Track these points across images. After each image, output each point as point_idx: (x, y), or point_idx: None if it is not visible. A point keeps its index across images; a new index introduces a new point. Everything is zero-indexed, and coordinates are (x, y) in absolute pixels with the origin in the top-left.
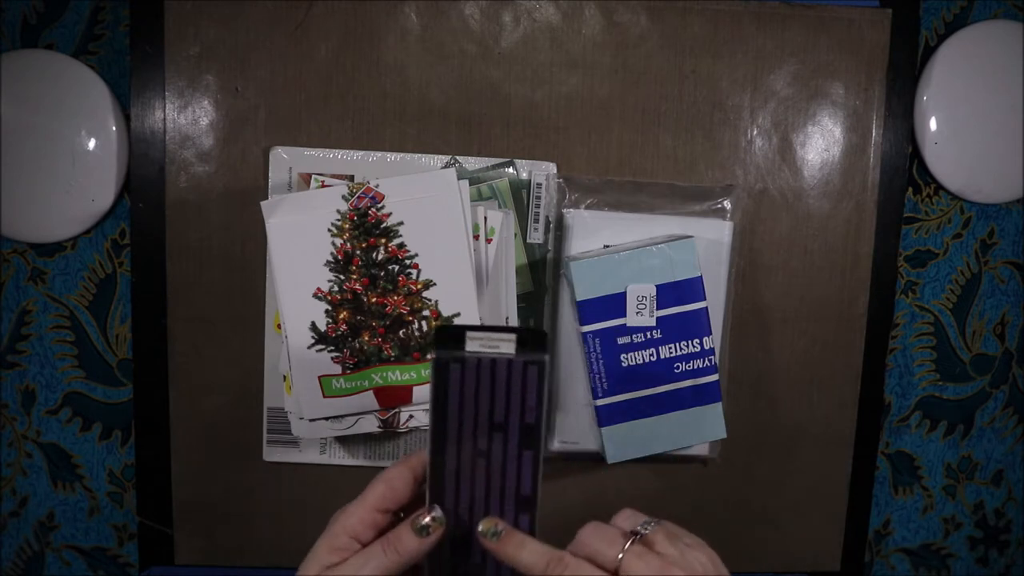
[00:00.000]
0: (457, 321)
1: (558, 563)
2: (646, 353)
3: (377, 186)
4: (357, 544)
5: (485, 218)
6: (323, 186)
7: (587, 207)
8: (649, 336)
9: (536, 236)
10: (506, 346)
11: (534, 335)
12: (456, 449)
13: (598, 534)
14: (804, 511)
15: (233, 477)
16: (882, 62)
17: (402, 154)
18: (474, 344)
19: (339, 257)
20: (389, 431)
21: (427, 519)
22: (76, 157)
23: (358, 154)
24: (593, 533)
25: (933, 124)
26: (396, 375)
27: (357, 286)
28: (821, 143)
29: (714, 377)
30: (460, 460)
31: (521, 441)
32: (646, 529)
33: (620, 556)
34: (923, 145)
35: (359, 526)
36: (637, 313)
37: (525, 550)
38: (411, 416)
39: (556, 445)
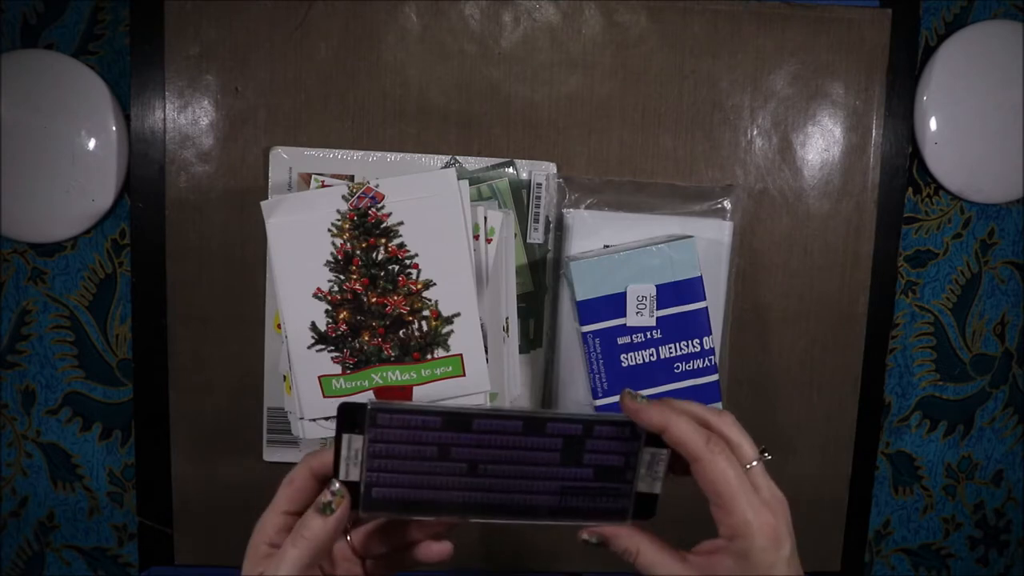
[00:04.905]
0: (457, 320)
1: (717, 443)
2: (646, 353)
3: (377, 186)
4: (275, 551)
5: (485, 218)
6: (323, 186)
7: (587, 207)
8: (649, 336)
9: (536, 236)
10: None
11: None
12: None
13: (742, 432)
14: (804, 511)
15: (233, 477)
16: (882, 62)
17: (402, 154)
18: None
19: (339, 257)
20: None
21: (327, 495)
22: (76, 157)
23: (358, 154)
24: (736, 427)
25: (933, 124)
26: (396, 375)
27: (357, 286)
28: (821, 143)
29: (714, 377)
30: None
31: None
32: (763, 453)
33: (754, 464)
34: (923, 145)
35: (272, 532)
36: (637, 313)
37: (683, 420)
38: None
39: None
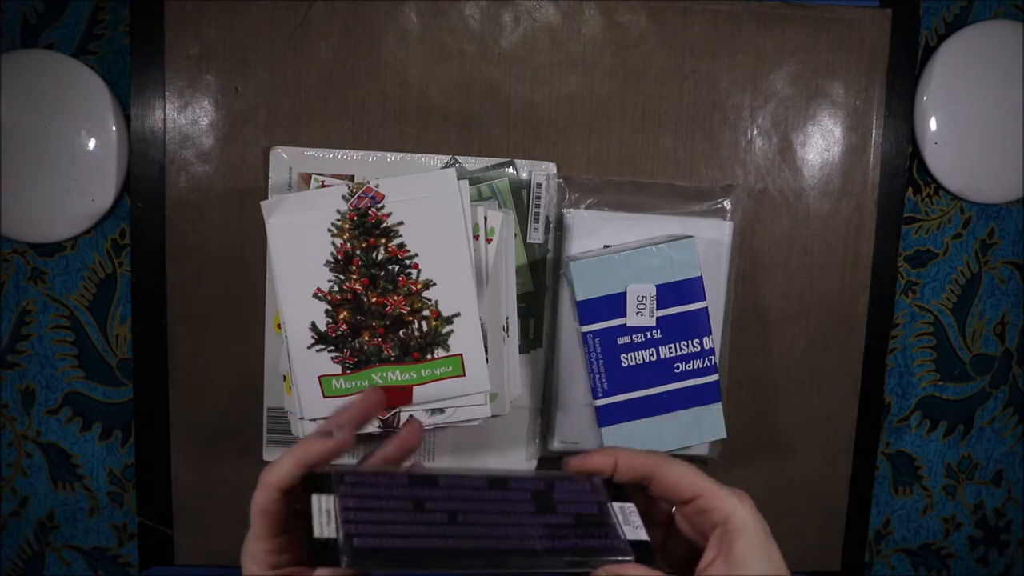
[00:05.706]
0: (457, 320)
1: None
2: (646, 353)
3: (377, 186)
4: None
5: (485, 218)
6: (323, 186)
7: (587, 207)
8: (649, 336)
9: (536, 236)
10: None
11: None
12: None
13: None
14: (804, 511)
15: (233, 477)
16: (882, 62)
17: (402, 154)
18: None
19: (339, 257)
20: (389, 431)
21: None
22: (76, 157)
23: (358, 154)
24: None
25: (933, 124)
26: (396, 375)
27: (357, 286)
28: (821, 143)
29: (714, 377)
30: None
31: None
32: None
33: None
34: (923, 145)
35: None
36: (637, 313)
37: (627, 450)
38: (411, 417)
39: (556, 445)
